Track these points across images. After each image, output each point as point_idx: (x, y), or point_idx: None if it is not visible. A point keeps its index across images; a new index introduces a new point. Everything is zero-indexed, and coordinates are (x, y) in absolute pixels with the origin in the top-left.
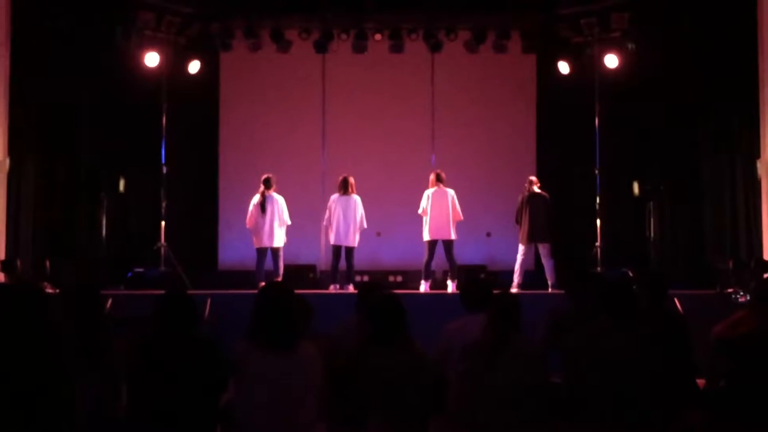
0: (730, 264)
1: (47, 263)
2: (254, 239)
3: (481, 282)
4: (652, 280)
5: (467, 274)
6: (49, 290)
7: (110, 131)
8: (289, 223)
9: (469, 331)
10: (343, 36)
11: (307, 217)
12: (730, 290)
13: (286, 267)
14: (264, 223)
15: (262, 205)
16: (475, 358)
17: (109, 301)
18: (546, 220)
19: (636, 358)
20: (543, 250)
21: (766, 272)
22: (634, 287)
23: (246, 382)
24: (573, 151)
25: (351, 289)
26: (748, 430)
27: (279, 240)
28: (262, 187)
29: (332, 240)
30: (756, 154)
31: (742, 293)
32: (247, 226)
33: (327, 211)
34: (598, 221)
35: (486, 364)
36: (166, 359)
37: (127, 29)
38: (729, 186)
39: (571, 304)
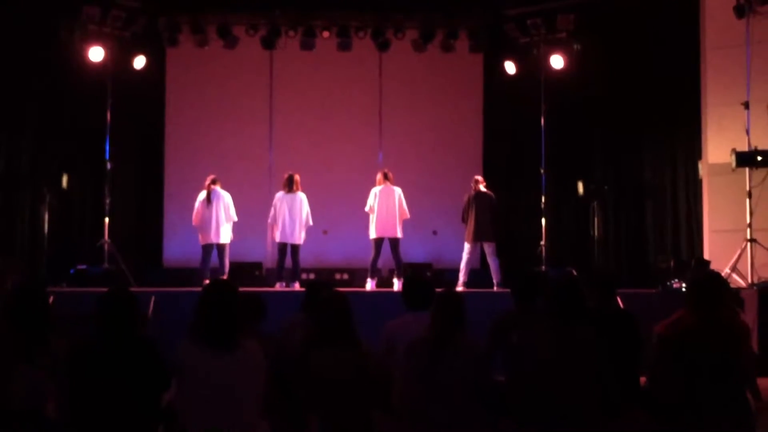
0: (672, 263)
1: None
2: (200, 236)
3: (421, 280)
4: (600, 279)
5: (409, 273)
6: None
7: (53, 126)
8: (236, 219)
9: (411, 328)
10: (291, 33)
11: (253, 214)
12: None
13: (231, 264)
14: (210, 218)
15: (209, 197)
16: (418, 355)
17: (51, 299)
18: (491, 219)
19: (579, 356)
20: (488, 248)
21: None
22: (581, 286)
23: (188, 381)
24: (519, 151)
25: (297, 286)
26: (688, 428)
27: (225, 236)
28: (208, 182)
29: (278, 238)
30: (697, 155)
31: (677, 280)
32: (194, 223)
33: (272, 209)
34: (543, 220)
35: (429, 361)
36: (108, 359)
37: (71, 23)
38: (671, 187)
39: (515, 304)
